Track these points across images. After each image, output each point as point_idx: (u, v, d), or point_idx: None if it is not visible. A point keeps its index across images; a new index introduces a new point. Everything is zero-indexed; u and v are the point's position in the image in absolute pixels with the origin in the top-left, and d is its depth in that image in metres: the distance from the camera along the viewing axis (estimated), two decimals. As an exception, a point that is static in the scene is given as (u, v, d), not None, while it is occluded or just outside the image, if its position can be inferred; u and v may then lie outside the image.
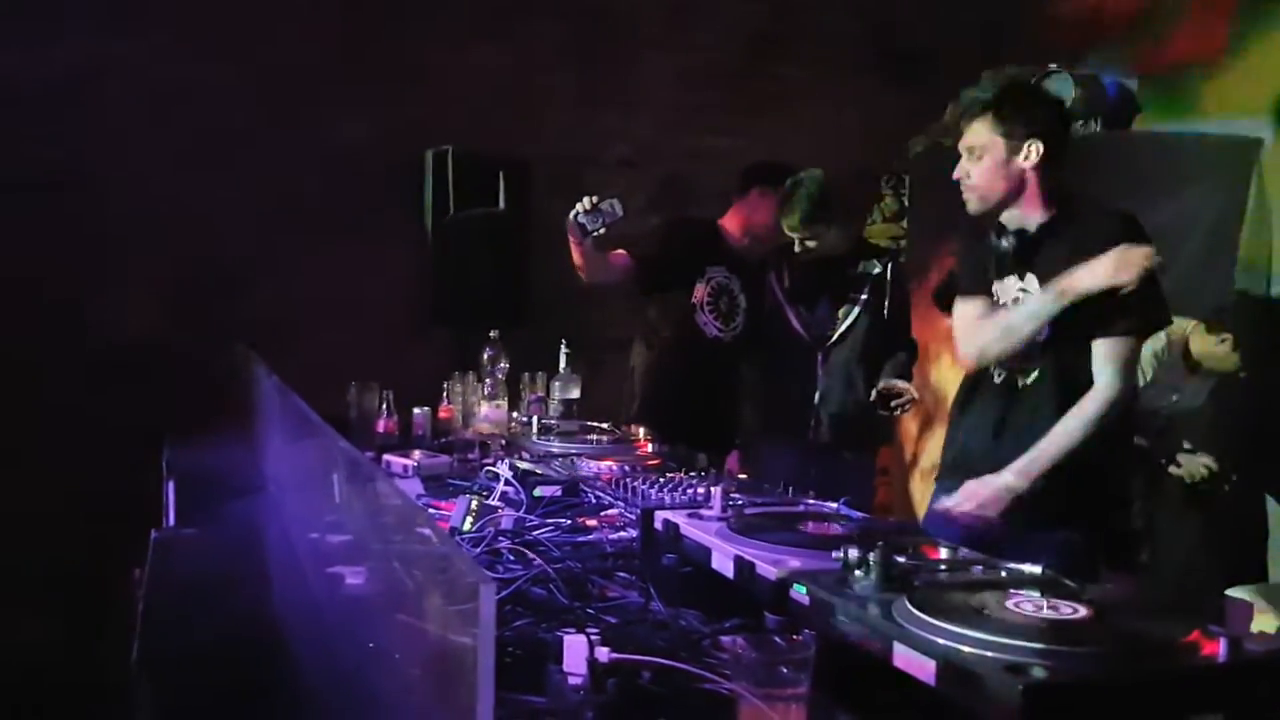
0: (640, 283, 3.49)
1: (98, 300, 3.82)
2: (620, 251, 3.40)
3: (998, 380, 2.44)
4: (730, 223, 3.62)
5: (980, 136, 2.38)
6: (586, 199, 3.11)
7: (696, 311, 3.50)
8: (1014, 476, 2.29)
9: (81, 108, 3.82)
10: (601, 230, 3.12)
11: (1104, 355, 2.30)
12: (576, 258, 3.24)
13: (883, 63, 5.01)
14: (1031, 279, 2.38)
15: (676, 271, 3.50)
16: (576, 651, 1.25)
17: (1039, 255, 2.37)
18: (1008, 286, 2.44)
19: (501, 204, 4.14)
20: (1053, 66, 4.55)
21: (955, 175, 2.43)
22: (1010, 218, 2.42)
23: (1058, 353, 2.34)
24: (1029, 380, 2.39)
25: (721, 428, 3.51)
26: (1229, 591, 2.82)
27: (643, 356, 3.59)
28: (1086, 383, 2.30)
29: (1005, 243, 2.41)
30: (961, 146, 2.42)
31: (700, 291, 3.51)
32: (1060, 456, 2.28)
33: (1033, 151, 2.34)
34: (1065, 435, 2.29)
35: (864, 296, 3.38)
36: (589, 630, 1.33)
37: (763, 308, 3.54)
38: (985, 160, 2.37)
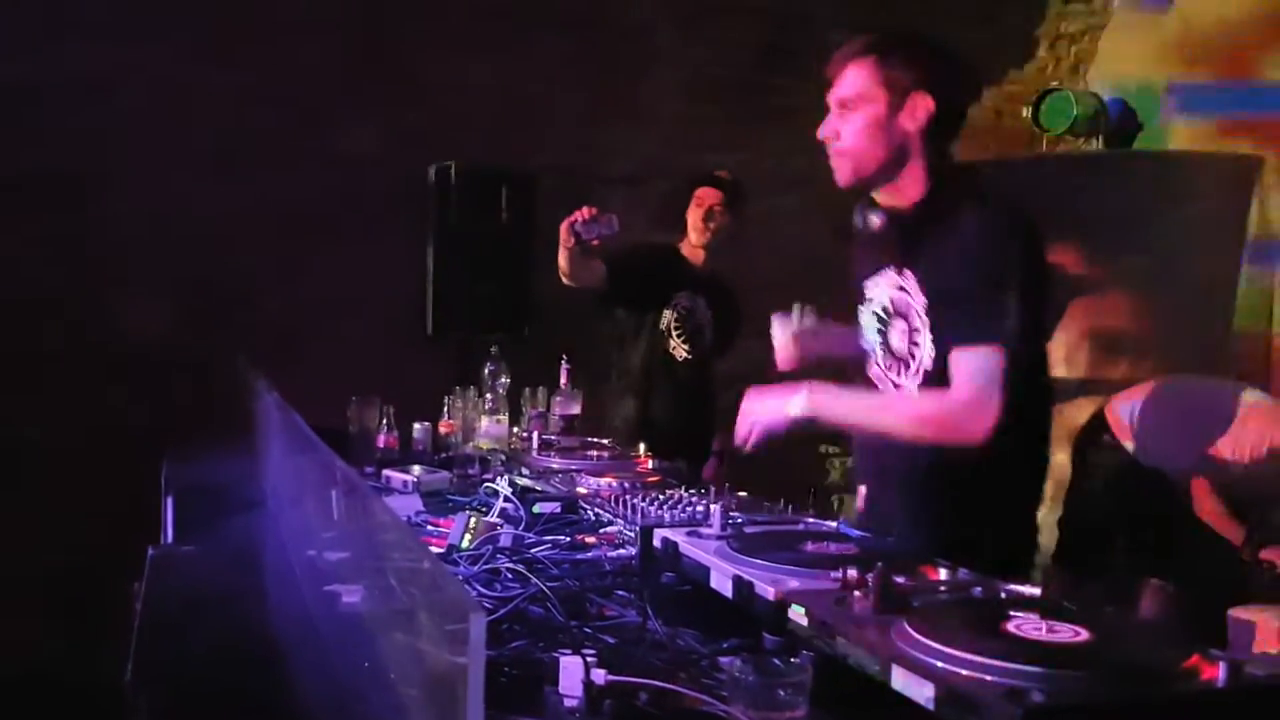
0: (603, 297, 3.55)
1: (100, 311, 3.82)
2: (598, 262, 3.43)
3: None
4: (684, 242, 3.72)
5: (856, 85, 1.93)
6: (586, 208, 3.16)
7: (667, 338, 3.64)
8: (804, 400, 1.92)
9: (88, 113, 3.83)
10: (594, 242, 3.18)
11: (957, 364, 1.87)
12: (563, 260, 3.30)
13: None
14: (910, 277, 1.97)
15: (635, 297, 3.60)
16: (572, 673, 1.24)
17: (921, 247, 1.94)
18: (880, 285, 2.06)
19: (505, 218, 4.15)
20: (1054, 84, 4.57)
21: (821, 134, 1.98)
22: (885, 195, 1.99)
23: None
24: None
25: (697, 440, 3.62)
26: (1232, 611, 2.80)
27: (618, 381, 3.69)
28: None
29: (875, 222, 1.99)
30: (831, 99, 1.97)
31: (669, 317, 3.64)
32: (879, 427, 1.95)
33: (920, 109, 1.90)
34: (888, 409, 1.97)
35: None
36: (585, 651, 1.32)
37: (731, 319, 3.67)
38: (861, 115, 1.92)
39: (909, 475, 2.02)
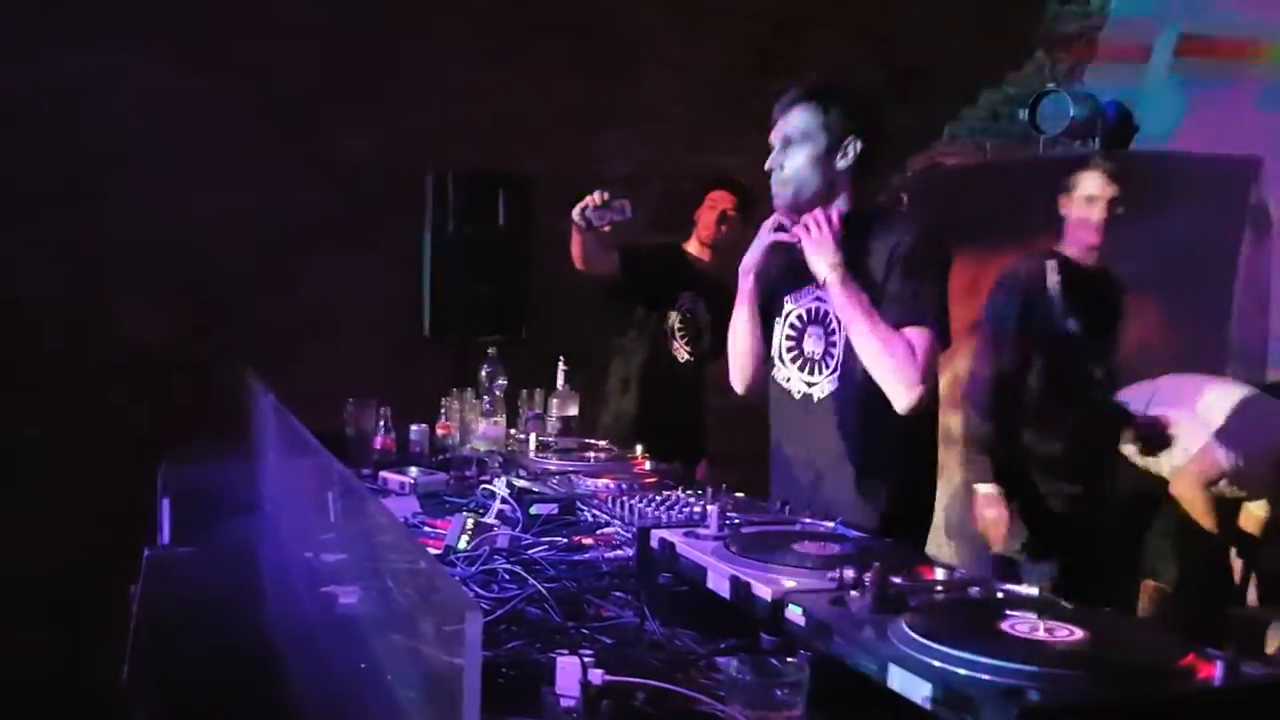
0: (614, 289, 3.51)
1: (98, 312, 3.82)
2: (613, 251, 3.40)
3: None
4: (691, 242, 3.71)
5: (801, 125, 2.23)
6: (598, 194, 3.10)
7: (670, 339, 3.62)
8: (838, 275, 2.15)
9: (84, 121, 3.83)
10: (606, 228, 3.12)
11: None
12: (575, 247, 3.25)
13: (883, 81, 5.02)
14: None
15: (644, 293, 3.57)
16: (569, 673, 1.24)
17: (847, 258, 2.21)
18: (801, 298, 2.35)
19: (502, 221, 4.15)
20: (1051, 86, 4.57)
21: (766, 166, 2.28)
22: None
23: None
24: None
25: (691, 441, 3.62)
26: (1233, 610, 2.81)
27: (618, 380, 3.66)
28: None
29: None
30: (775, 137, 2.27)
31: (674, 318, 3.62)
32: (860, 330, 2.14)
33: (850, 150, 2.22)
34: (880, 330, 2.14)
35: None
36: (583, 652, 1.32)
37: (726, 322, 3.61)
38: (803, 151, 2.22)
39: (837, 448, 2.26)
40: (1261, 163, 4.05)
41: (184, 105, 3.94)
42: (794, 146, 2.24)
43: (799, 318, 2.34)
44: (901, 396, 2.13)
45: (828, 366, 2.26)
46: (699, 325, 3.67)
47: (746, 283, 2.39)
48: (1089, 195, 3.10)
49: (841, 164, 2.23)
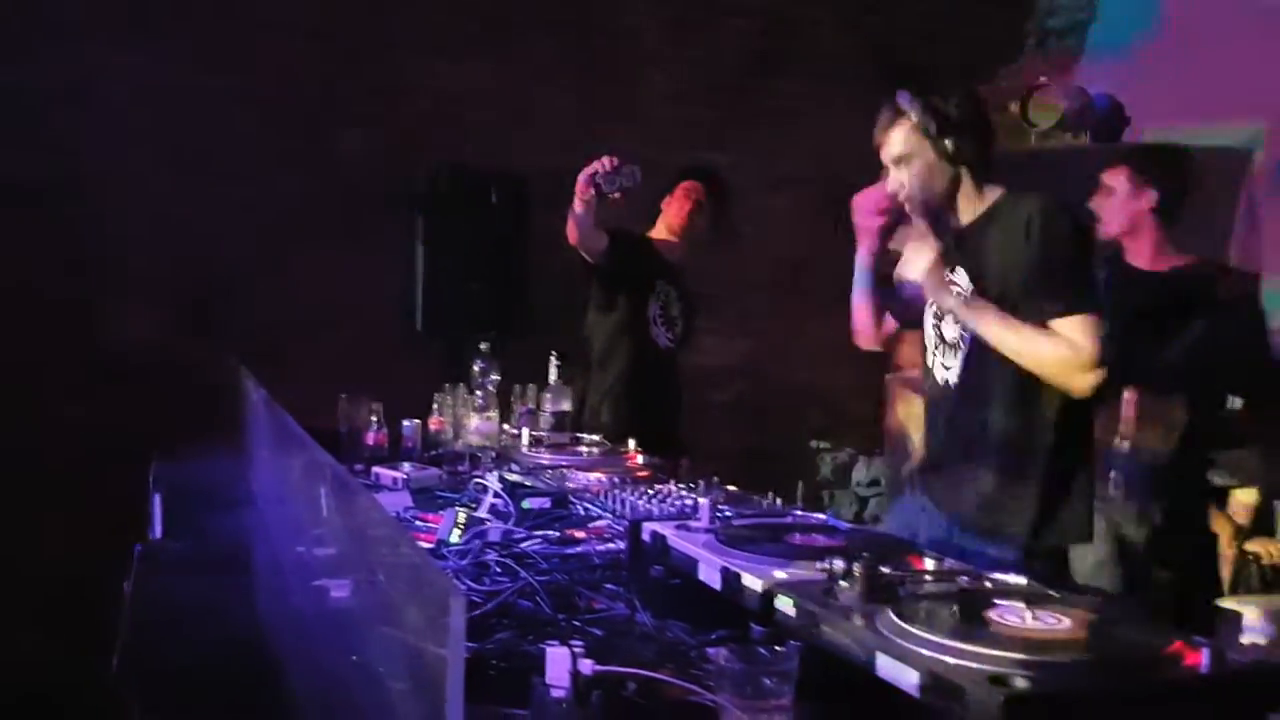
0: (600, 271, 3.47)
1: (90, 310, 3.81)
2: (603, 232, 3.37)
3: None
4: (658, 230, 3.69)
5: (904, 143, 2.31)
6: (608, 158, 3.07)
7: (650, 326, 3.60)
8: (954, 297, 2.22)
9: (78, 117, 3.82)
10: (616, 194, 3.07)
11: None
12: (577, 209, 3.20)
13: (880, 78, 5.01)
14: (961, 273, 2.30)
15: (628, 278, 3.54)
16: (559, 663, 1.24)
17: (965, 249, 2.29)
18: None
19: (495, 218, 4.15)
20: (1043, 80, 4.58)
21: (889, 189, 2.36)
22: (950, 215, 2.35)
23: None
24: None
25: (672, 429, 3.57)
26: (1220, 602, 2.81)
27: (600, 363, 3.63)
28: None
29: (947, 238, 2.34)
30: (886, 160, 2.35)
31: (654, 307, 3.61)
32: (1004, 344, 2.17)
33: (957, 147, 2.27)
34: (1024, 339, 2.16)
35: None
36: (573, 643, 1.32)
37: (694, 312, 3.71)
38: (916, 164, 2.30)
39: (986, 442, 2.26)
40: (1253, 154, 4.06)
41: (177, 105, 3.93)
42: (905, 164, 2.31)
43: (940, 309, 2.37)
44: (1075, 387, 2.14)
45: (959, 350, 2.30)
46: (674, 313, 3.67)
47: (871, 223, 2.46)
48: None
49: (957, 164, 2.27)
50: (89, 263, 3.82)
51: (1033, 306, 2.15)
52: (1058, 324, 2.13)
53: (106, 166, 3.82)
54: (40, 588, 3.60)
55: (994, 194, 2.31)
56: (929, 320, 2.42)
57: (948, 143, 2.26)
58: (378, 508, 1.32)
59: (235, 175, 3.96)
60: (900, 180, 2.33)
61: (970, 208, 2.31)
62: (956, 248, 2.30)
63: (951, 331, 2.33)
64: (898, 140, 2.31)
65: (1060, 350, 2.11)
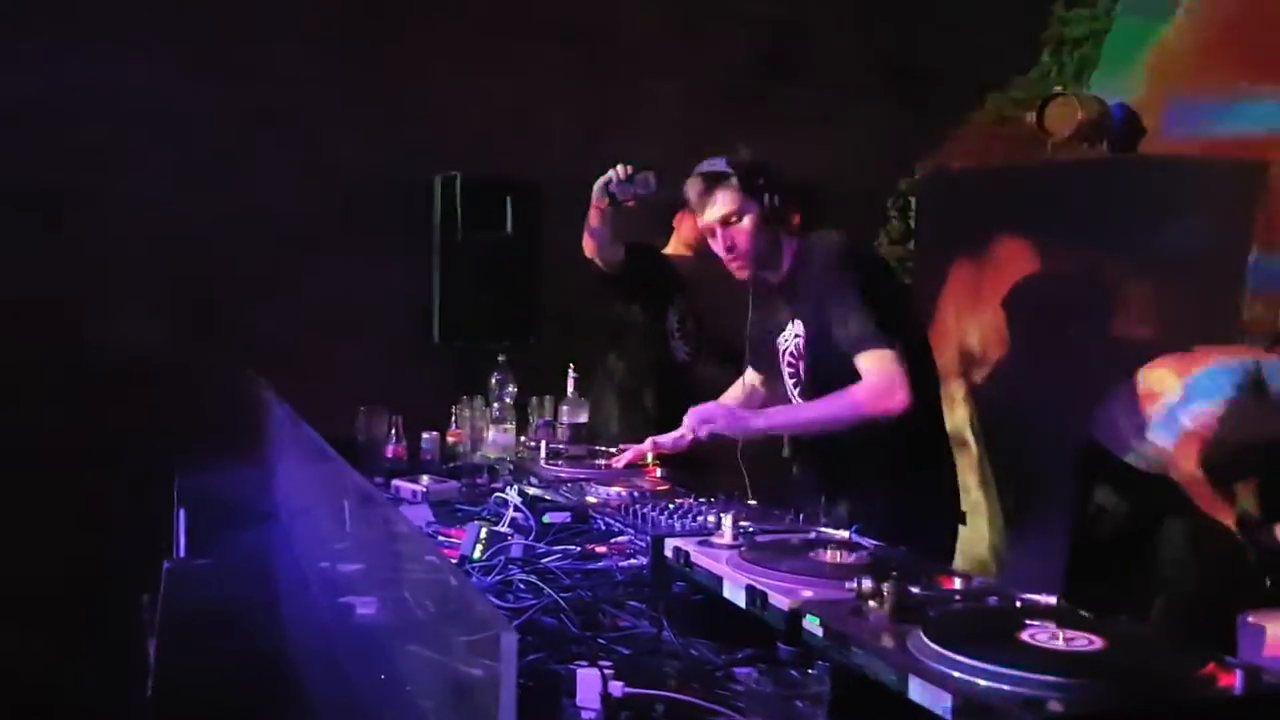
0: (617, 283, 3.47)
1: (104, 323, 3.82)
2: (620, 244, 3.36)
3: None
4: (673, 245, 3.68)
5: (732, 203, 2.51)
6: (622, 166, 3.05)
7: (670, 338, 3.59)
8: (764, 420, 2.55)
9: (86, 128, 3.83)
10: (630, 202, 3.05)
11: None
12: (591, 226, 3.20)
13: (889, 86, 5.02)
14: (798, 322, 2.58)
15: (646, 291, 3.54)
16: (589, 685, 1.24)
17: (800, 298, 2.55)
18: (788, 334, 2.65)
19: (509, 228, 4.16)
20: (1058, 89, 4.57)
21: (718, 249, 2.55)
22: (769, 273, 2.60)
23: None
24: None
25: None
26: (1243, 616, 2.79)
27: (620, 376, 3.64)
28: None
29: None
30: (714, 220, 2.53)
31: (672, 318, 3.59)
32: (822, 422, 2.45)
33: (776, 207, 2.51)
34: (830, 403, 2.42)
35: None
36: (602, 663, 1.32)
37: (705, 326, 3.69)
38: (745, 222, 2.51)
39: (836, 453, 2.55)
40: (1269, 167, 4.04)
41: (188, 113, 3.93)
42: (735, 223, 2.53)
43: (790, 354, 2.64)
44: (893, 409, 2.35)
45: (802, 383, 2.62)
46: (690, 327, 3.64)
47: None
48: None
49: (778, 223, 2.53)
50: (102, 275, 3.82)
51: (843, 342, 2.39)
52: (860, 360, 2.37)
53: (116, 178, 3.82)
54: (60, 602, 3.59)
55: (797, 241, 2.57)
56: (783, 368, 2.68)
57: (768, 204, 2.50)
58: (408, 525, 1.32)
59: (248, 187, 3.97)
60: (731, 239, 2.53)
61: (784, 263, 2.57)
62: (783, 299, 2.59)
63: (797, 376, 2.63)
64: (724, 202, 2.52)
65: (870, 383, 2.35)
